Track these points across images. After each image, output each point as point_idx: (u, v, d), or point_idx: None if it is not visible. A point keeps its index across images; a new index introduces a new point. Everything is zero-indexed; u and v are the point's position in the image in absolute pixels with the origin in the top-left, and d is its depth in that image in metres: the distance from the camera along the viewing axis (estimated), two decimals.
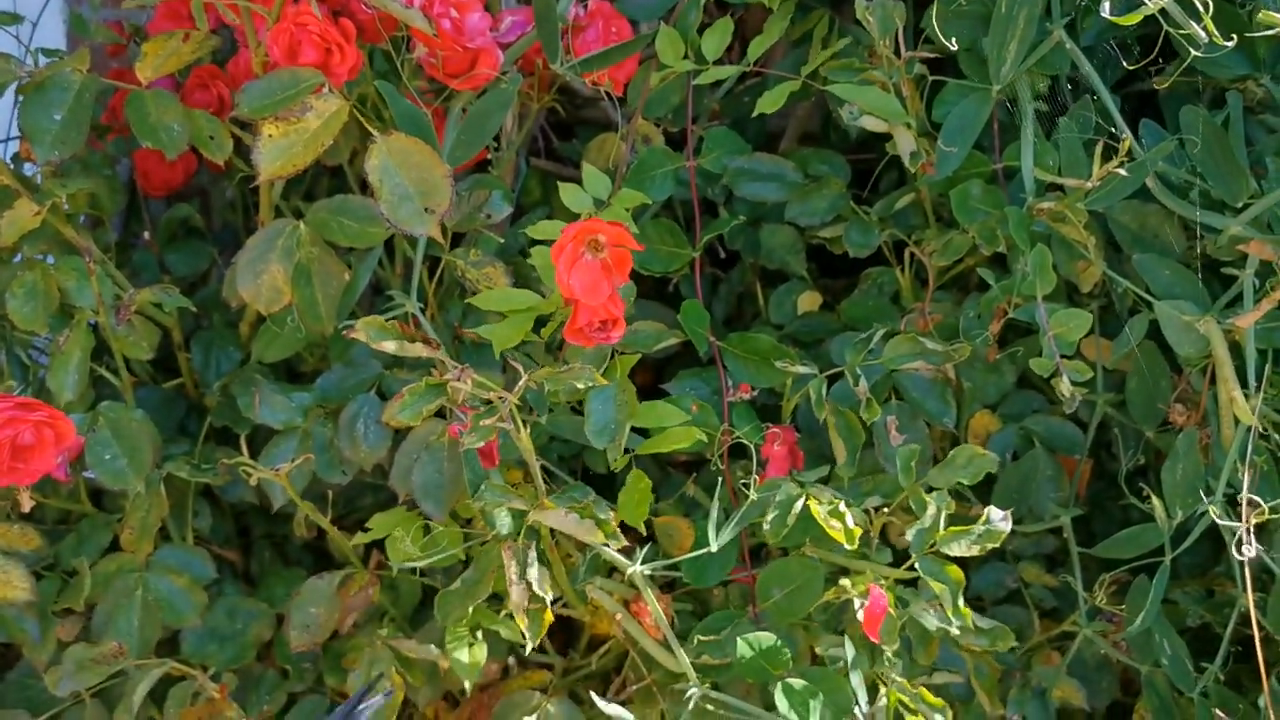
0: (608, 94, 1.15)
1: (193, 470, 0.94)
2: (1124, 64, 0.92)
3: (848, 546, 0.82)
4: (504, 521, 0.84)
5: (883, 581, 0.86)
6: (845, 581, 0.86)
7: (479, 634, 0.88)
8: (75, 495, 0.97)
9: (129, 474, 0.88)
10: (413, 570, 0.96)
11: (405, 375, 0.94)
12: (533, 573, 0.78)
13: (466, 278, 0.93)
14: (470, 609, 0.86)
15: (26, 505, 0.87)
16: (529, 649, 0.80)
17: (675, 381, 0.98)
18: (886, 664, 0.88)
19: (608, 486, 1.02)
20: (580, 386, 0.78)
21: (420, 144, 0.85)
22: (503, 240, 0.95)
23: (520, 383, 0.79)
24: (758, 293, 1.10)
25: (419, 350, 0.80)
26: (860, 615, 0.84)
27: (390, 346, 0.79)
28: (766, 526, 0.86)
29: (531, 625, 0.79)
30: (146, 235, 1.01)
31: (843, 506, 0.85)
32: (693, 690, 0.84)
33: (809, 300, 1.06)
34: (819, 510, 0.85)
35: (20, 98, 0.88)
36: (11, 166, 0.91)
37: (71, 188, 0.89)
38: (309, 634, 0.91)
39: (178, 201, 1.11)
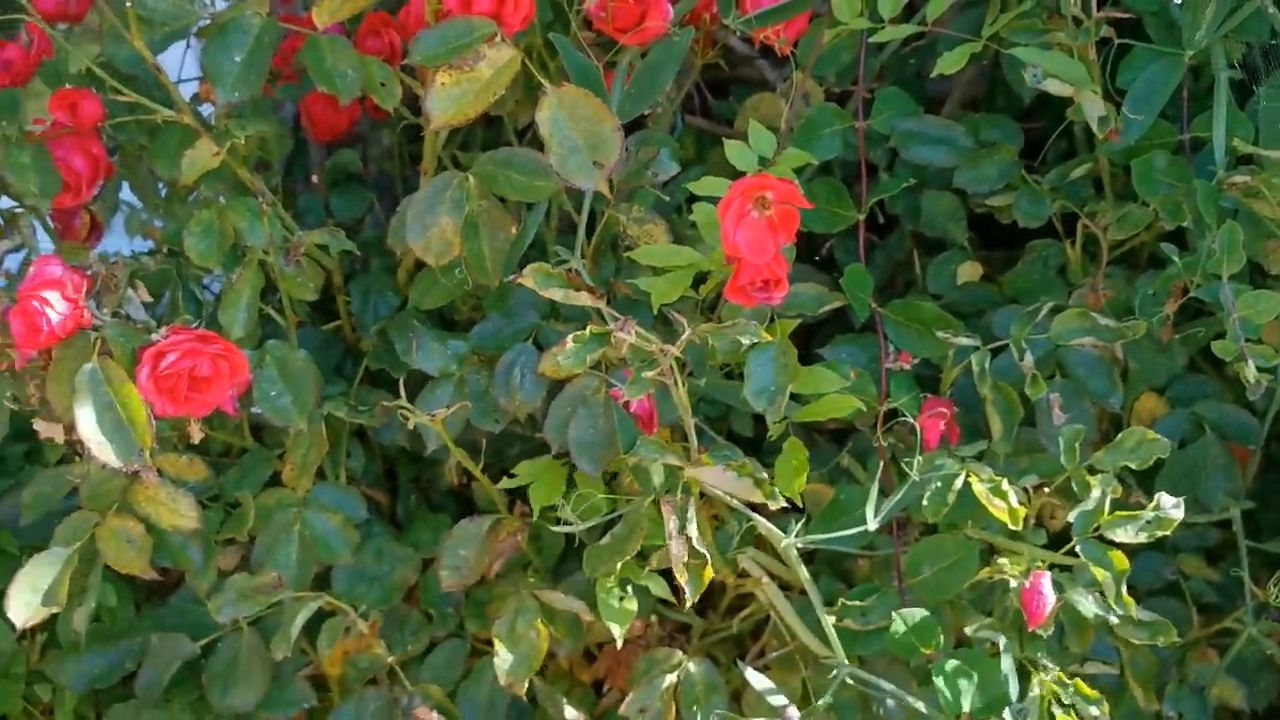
0: (764, 52, 1.13)
1: (350, 411, 0.96)
2: None
3: (1012, 526, 0.80)
4: (659, 478, 0.84)
5: (1040, 564, 0.84)
6: (1003, 561, 0.83)
7: (628, 589, 0.88)
8: (238, 430, 1.00)
9: (293, 412, 0.90)
10: (557, 521, 0.97)
11: (561, 327, 0.94)
12: (692, 528, 0.78)
13: (627, 233, 0.93)
14: (619, 564, 0.86)
15: (196, 436, 0.90)
16: (688, 605, 0.80)
17: (831, 347, 0.97)
18: (1038, 651, 0.85)
19: (752, 451, 1.01)
20: (745, 343, 0.77)
21: (591, 96, 0.84)
22: (666, 198, 0.94)
23: (684, 336, 0.78)
24: (914, 260, 1.08)
25: (584, 299, 0.80)
26: (1017, 598, 0.82)
27: (557, 294, 0.79)
28: (925, 503, 0.84)
29: (692, 581, 0.78)
30: (315, 179, 1.03)
31: (1005, 485, 0.83)
32: (841, 669, 0.83)
33: (969, 270, 1.03)
34: (980, 488, 0.83)
35: (190, 42, 0.91)
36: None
37: (250, 129, 0.91)
38: (458, 575, 0.92)
39: (338, 148, 1.14)
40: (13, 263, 0.99)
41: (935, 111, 1.08)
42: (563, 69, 1.01)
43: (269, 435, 1.02)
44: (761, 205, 0.79)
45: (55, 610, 0.87)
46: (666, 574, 0.93)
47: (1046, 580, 0.80)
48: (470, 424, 0.95)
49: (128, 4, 0.87)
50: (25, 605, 0.85)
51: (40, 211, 0.90)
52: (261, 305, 0.96)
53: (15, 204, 0.94)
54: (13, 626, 0.85)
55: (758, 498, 0.79)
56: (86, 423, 0.80)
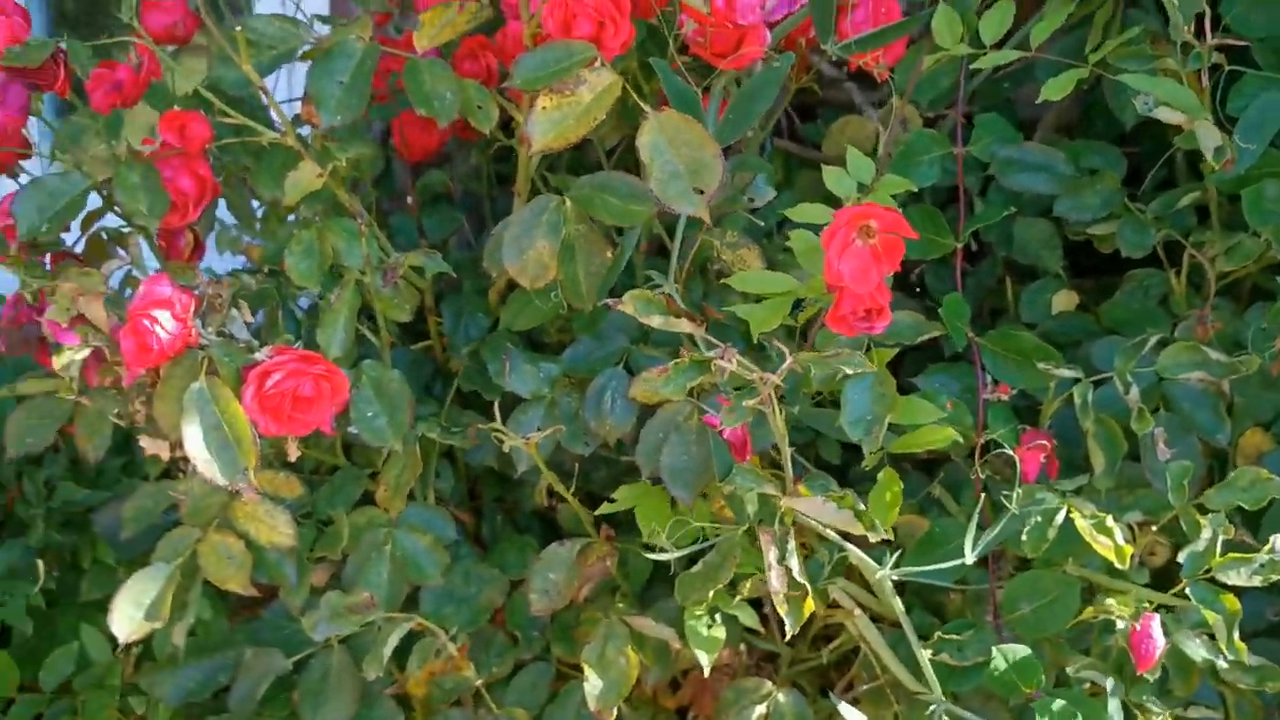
0: (852, 74, 1.12)
1: (443, 432, 0.96)
2: None
3: (1118, 565, 0.78)
4: (753, 506, 0.83)
5: (1146, 605, 0.82)
6: (1111, 602, 0.81)
7: (717, 617, 0.87)
8: (331, 448, 1.01)
9: (388, 432, 0.91)
10: (645, 546, 0.97)
11: (652, 351, 0.94)
12: (793, 560, 0.77)
13: (721, 258, 0.93)
14: (710, 592, 0.85)
15: (294, 454, 0.91)
16: (786, 637, 0.79)
17: (925, 376, 0.95)
18: (1144, 694, 0.83)
19: (840, 479, 1.00)
20: (848, 372, 0.76)
21: (692, 122, 0.84)
22: (761, 223, 0.93)
23: (784, 365, 0.77)
24: (1006, 287, 1.06)
25: (683, 326, 0.79)
26: (1124, 640, 0.80)
27: (656, 321, 0.79)
28: (1024, 538, 0.83)
29: (791, 613, 0.77)
30: (407, 200, 1.04)
31: (1110, 521, 0.81)
32: (938, 705, 0.81)
33: (1064, 299, 1.01)
34: (1083, 524, 0.81)
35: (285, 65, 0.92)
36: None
37: (350, 151, 0.92)
38: (547, 599, 0.92)
39: (425, 167, 1.15)
40: (113, 280, 1.01)
41: (1028, 134, 1.06)
42: (658, 93, 1.01)
43: (359, 453, 1.03)
44: (866, 234, 0.78)
45: (157, 626, 0.89)
46: (755, 602, 0.92)
47: (1156, 623, 0.78)
48: (559, 445, 0.95)
49: (236, 28, 0.88)
50: (128, 620, 0.86)
51: (148, 231, 0.91)
52: (357, 325, 0.97)
53: (124, 223, 0.96)
54: (114, 641, 0.86)
55: (856, 530, 0.78)
56: (193, 440, 0.81)
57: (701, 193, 0.83)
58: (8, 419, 0.93)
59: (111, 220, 0.98)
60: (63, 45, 0.88)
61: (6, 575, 1.06)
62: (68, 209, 0.90)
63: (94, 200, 0.94)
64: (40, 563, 1.03)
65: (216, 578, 0.88)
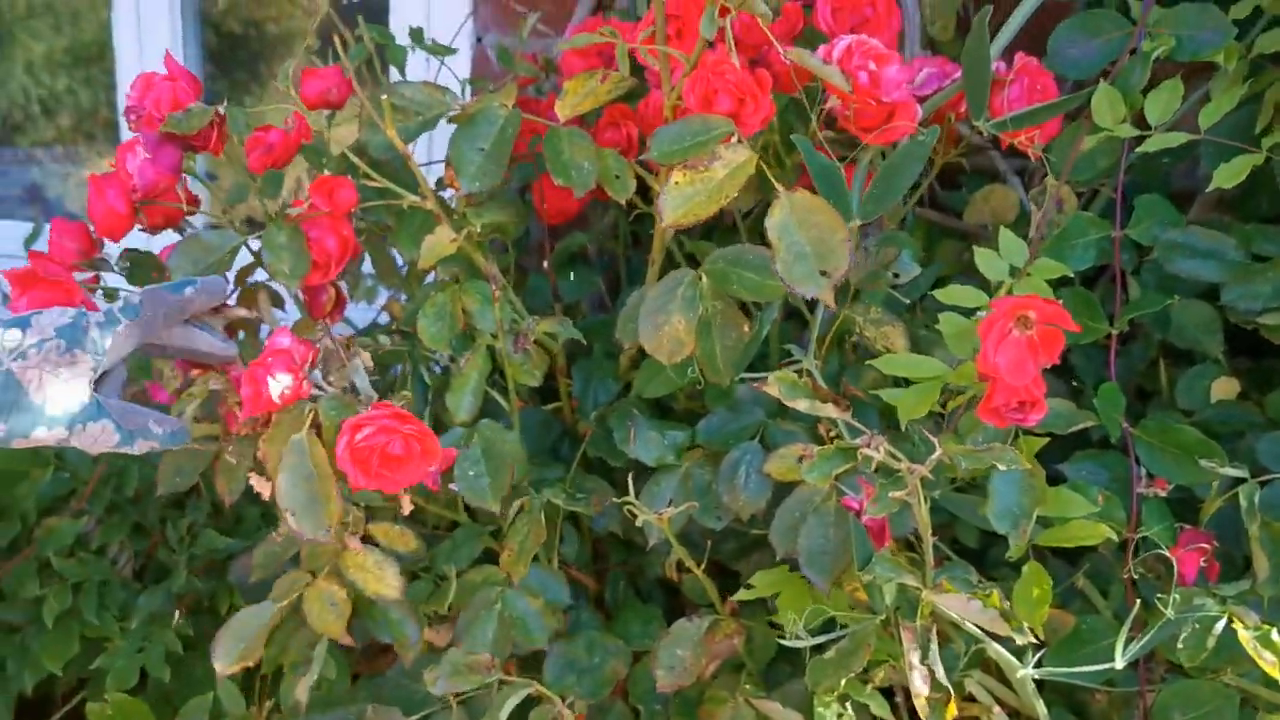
0: (996, 141, 1.09)
1: (568, 499, 0.95)
2: None
3: None
4: (890, 596, 0.81)
5: None
6: (1273, 718, 0.76)
7: (847, 705, 0.84)
8: (452, 503, 1.01)
9: (489, 493, 0.91)
10: (772, 624, 0.94)
11: (789, 426, 0.92)
12: (936, 661, 0.74)
13: (863, 335, 0.90)
14: (843, 680, 0.83)
15: (406, 508, 0.91)
16: None
17: (1071, 464, 0.91)
18: None
19: (977, 563, 0.96)
20: (1001, 468, 0.73)
21: (823, 203, 0.81)
22: (906, 300, 0.91)
23: (933, 457, 0.75)
24: (1159, 371, 1.01)
25: (830, 411, 0.77)
26: None
27: (802, 405, 0.77)
28: (1180, 644, 0.78)
29: (934, 715, 0.74)
30: (546, 265, 1.04)
31: (1275, 635, 0.76)
32: None
33: (1224, 387, 0.96)
34: (1246, 635, 0.76)
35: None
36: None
37: (486, 218, 0.92)
38: (674, 676, 0.90)
39: (564, 227, 1.15)
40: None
41: (1181, 207, 1.02)
42: (798, 165, 1.00)
43: (480, 511, 1.03)
44: (1024, 325, 0.75)
45: (250, 663, 0.91)
46: (886, 690, 0.89)
47: None
48: (690, 517, 0.93)
49: (384, 96, 0.90)
50: (227, 654, 0.89)
51: (289, 289, 0.93)
52: (487, 388, 0.97)
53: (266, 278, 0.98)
54: (249, 693, 0.87)
55: (1003, 631, 0.74)
56: (284, 491, 0.82)
57: (827, 276, 0.80)
58: (163, 457, 0.96)
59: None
60: (221, 110, 0.90)
61: (148, 620, 1.08)
62: (219, 263, 0.92)
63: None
64: (177, 611, 1.05)
65: (318, 623, 0.89)
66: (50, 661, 1.12)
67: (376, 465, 0.84)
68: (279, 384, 0.84)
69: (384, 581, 0.92)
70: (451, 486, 0.94)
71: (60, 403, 0.73)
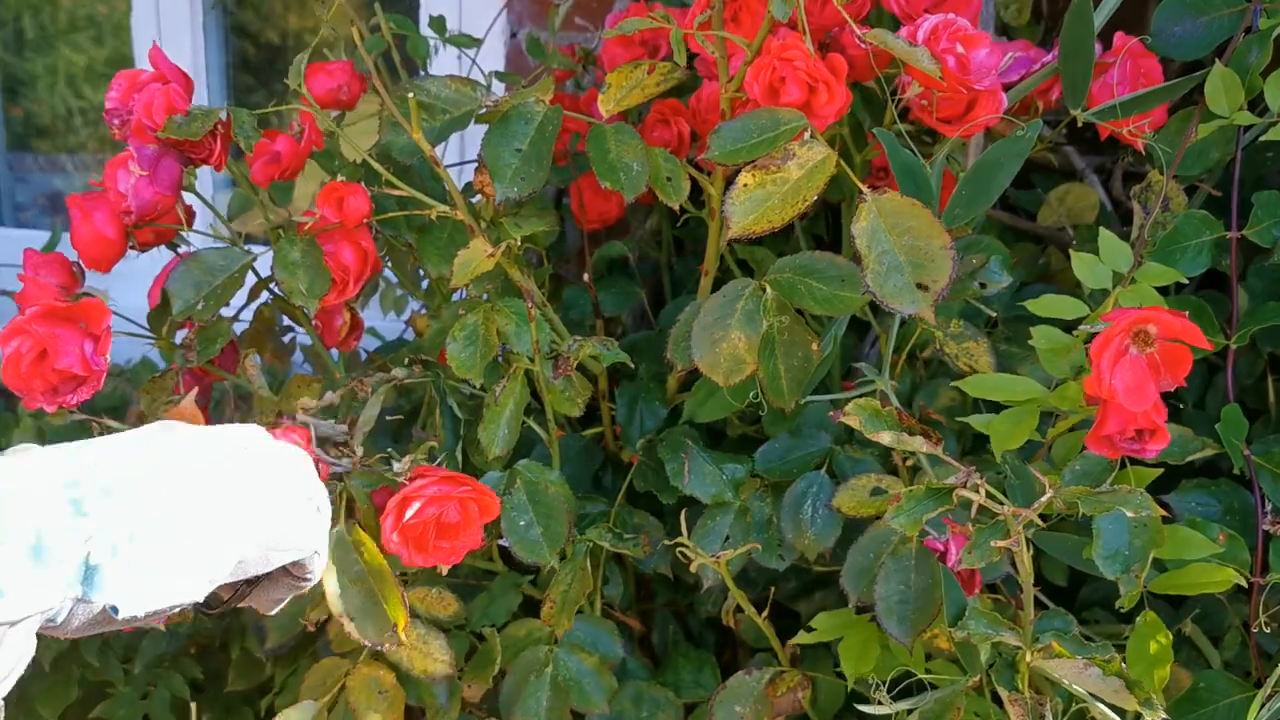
0: (1071, 138, 1.00)
1: (614, 540, 0.86)
2: None
3: None
4: (985, 654, 0.71)
5: None
6: None
7: None
8: (486, 552, 0.92)
9: (544, 547, 0.81)
10: (839, 674, 0.85)
11: (860, 453, 0.83)
12: None
13: (944, 352, 0.80)
14: None
15: (445, 570, 0.81)
16: None
17: (1178, 494, 0.81)
18: None
19: (1066, 605, 0.87)
20: (1129, 515, 0.63)
21: (918, 207, 0.72)
22: (993, 313, 0.81)
23: (1044, 498, 0.64)
24: (1269, 387, 0.91)
25: (918, 445, 0.67)
26: None
27: (886, 438, 0.67)
28: None
29: None
30: (584, 275, 0.94)
31: None
32: None
33: None
34: None
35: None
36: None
37: (526, 229, 0.83)
38: None
39: (603, 233, 1.05)
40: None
41: None
42: (869, 162, 0.90)
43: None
44: (1143, 342, 0.65)
45: None
46: None
47: None
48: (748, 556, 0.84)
49: (408, 92, 0.81)
50: None
51: (309, 310, 0.83)
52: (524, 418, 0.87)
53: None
54: None
55: (1129, 705, 0.64)
56: (335, 596, 0.73)
57: (926, 290, 0.70)
58: None
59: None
60: (223, 114, 0.81)
61: (154, 663, 1.00)
62: (226, 286, 0.83)
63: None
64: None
65: (366, 714, 0.79)
66: (47, 709, 1.03)
67: (434, 540, 0.75)
68: None
69: (431, 657, 0.83)
70: (501, 542, 0.84)
71: None
